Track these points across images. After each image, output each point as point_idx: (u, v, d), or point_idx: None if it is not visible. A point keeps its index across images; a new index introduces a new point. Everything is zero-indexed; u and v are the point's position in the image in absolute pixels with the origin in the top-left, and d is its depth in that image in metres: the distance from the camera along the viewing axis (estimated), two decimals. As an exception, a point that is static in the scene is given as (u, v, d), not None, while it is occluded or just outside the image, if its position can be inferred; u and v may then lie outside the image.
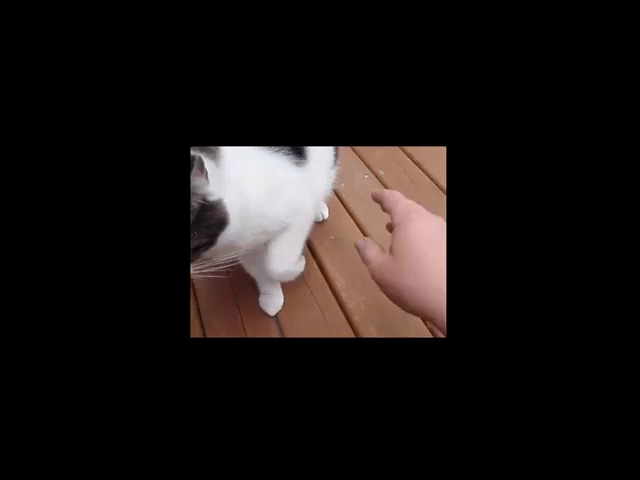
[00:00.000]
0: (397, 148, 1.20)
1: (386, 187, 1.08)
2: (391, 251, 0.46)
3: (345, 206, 1.04)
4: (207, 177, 0.54)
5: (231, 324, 0.82)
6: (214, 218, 0.55)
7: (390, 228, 0.50)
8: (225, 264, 0.60)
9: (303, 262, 0.83)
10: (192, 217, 0.53)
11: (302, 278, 0.89)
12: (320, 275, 0.90)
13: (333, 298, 0.85)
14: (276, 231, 0.72)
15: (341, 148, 0.92)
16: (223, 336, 0.80)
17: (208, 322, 0.82)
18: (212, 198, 0.55)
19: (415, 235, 0.44)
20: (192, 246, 0.54)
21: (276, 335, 0.80)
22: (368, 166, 1.15)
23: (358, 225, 0.99)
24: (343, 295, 0.85)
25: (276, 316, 0.83)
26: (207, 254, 0.58)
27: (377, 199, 0.55)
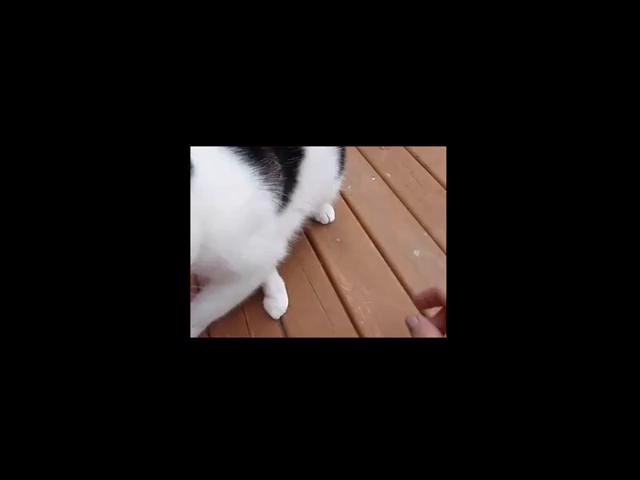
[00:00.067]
0: (404, 150, 1.19)
1: (393, 190, 1.07)
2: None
3: (352, 208, 1.04)
4: None
5: (236, 326, 0.81)
6: None
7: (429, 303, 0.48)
8: None
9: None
10: None
11: (307, 281, 0.89)
12: (326, 278, 0.89)
13: (339, 302, 0.84)
14: (226, 277, 0.66)
15: (348, 150, 0.91)
16: (227, 337, 0.79)
17: (213, 323, 0.81)
18: None
19: None
20: None
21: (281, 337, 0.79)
22: (375, 168, 1.14)
23: (364, 228, 0.99)
24: (349, 299, 0.84)
25: (281, 319, 0.82)
26: None
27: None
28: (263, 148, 0.63)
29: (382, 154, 1.18)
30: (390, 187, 1.08)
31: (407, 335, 0.78)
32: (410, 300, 0.83)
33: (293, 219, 0.77)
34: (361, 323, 0.80)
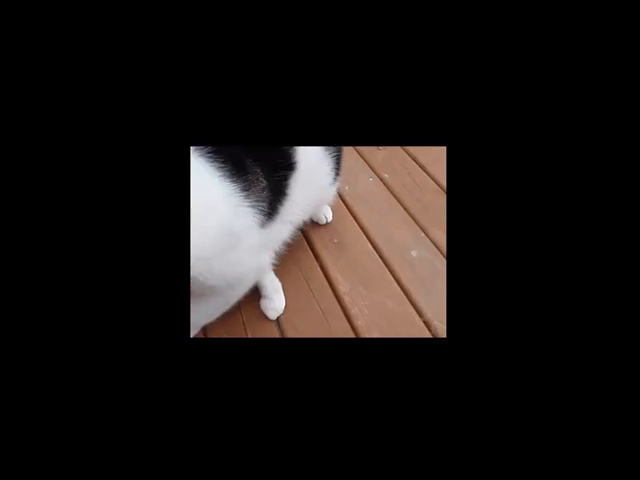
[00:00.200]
0: (401, 150, 1.19)
1: (390, 190, 1.07)
2: None
3: (349, 209, 1.04)
4: None
5: (233, 326, 0.81)
6: None
7: None
8: None
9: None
10: None
11: (304, 281, 0.88)
12: (323, 279, 0.89)
13: (336, 302, 0.84)
14: (206, 290, 0.64)
15: (345, 151, 0.91)
16: (224, 337, 0.79)
17: (209, 323, 0.81)
18: None
19: None
20: None
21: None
22: (372, 169, 1.14)
23: (362, 228, 0.98)
24: (346, 299, 0.84)
25: (278, 319, 0.82)
26: None
27: None
28: (248, 163, 0.62)
29: (379, 155, 1.18)
30: (387, 188, 1.08)
31: (404, 335, 0.78)
32: (407, 300, 0.83)
33: (281, 231, 0.76)
34: (358, 323, 0.80)
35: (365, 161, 1.17)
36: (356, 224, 1.00)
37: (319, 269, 0.91)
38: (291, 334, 0.79)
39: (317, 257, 0.93)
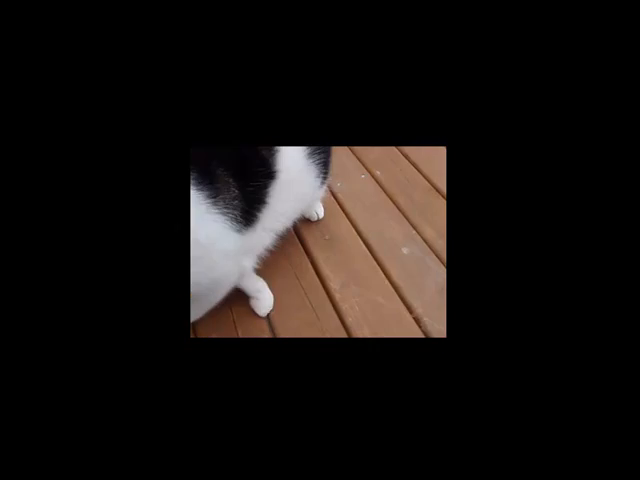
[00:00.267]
0: (394, 148, 1.19)
1: (382, 188, 1.07)
2: None
3: (341, 206, 1.03)
4: None
5: (223, 324, 0.81)
6: None
7: None
8: None
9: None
10: None
11: (295, 278, 0.88)
12: (314, 275, 0.89)
13: (327, 299, 0.84)
14: None
15: (338, 148, 0.91)
16: (214, 336, 0.78)
17: (199, 321, 0.80)
18: None
19: None
20: None
21: (268, 335, 0.79)
22: (365, 166, 1.14)
23: (354, 225, 0.98)
24: (337, 296, 0.84)
25: (268, 317, 0.82)
26: None
27: None
28: (218, 172, 0.61)
29: (372, 152, 1.18)
30: (380, 185, 1.08)
31: (394, 331, 0.78)
32: (398, 297, 0.84)
33: (262, 238, 0.75)
34: (349, 320, 0.80)
35: (357, 158, 1.17)
36: (348, 221, 1.00)
37: (310, 265, 0.91)
38: (281, 331, 0.79)
39: (308, 253, 0.93)
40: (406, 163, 1.15)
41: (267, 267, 0.87)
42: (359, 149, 1.19)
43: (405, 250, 0.92)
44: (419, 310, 0.81)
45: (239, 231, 0.65)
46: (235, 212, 0.63)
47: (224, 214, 0.62)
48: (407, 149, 1.18)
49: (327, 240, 0.96)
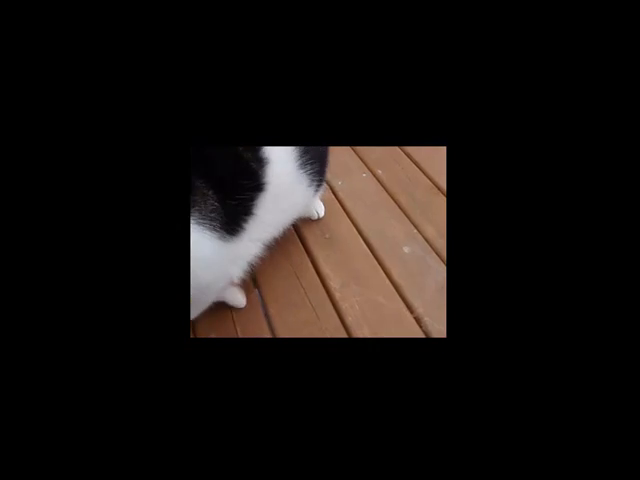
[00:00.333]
0: (396, 147, 1.19)
1: (384, 186, 1.07)
2: None
3: (342, 204, 1.03)
4: None
5: (222, 323, 0.80)
6: None
7: None
8: None
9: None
10: None
11: (295, 277, 0.88)
12: (314, 274, 0.88)
13: (327, 297, 0.84)
14: None
15: (340, 147, 0.90)
16: (213, 335, 0.78)
17: (198, 320, 0.80)
18: None
19: None
20: None
21: (267, 334, 0.78)
22: (366, 164, 1.14)
23: (354, 224, 0.98)
24: (337, 295, 0.84)
25: (268, 315, 0.81)
26: None
27: None
28: (197, 184, 0.61)
29: (374, 151, 1.17)
30: (381, 184, 1.08)
31: (394, 331, 0.77)
32: (398, 296, 0.83)
33: (249, 248, 0.74)
34: (349, 319, 0.79)
35: (359, 157, 1.16)
36: (348, 220, 0.99)
37: (310, 264, 0.90)
38: (281, 329, 0.78)
39: (308, 252, 0.93)
40: (408, 162, 1.14)
41: (267, 266, 0.87)
42: (361, 148, 1.18)
43: (406, 249, 0.92)
44: (420, 310, 0.80)
45: (222, 240, 0.64)
46: (213, 223, 0.62)
47: (199, 224, 0.61)
48: (409, 148, 1.17)
49: (327, 239, 0.95)
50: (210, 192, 0.62)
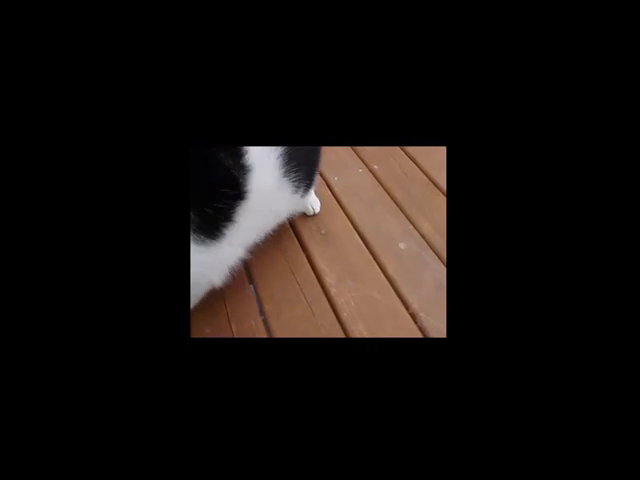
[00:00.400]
0: (392, 142, 1.18)
1: (380, 182, 1.06)
2: None
3: (338, 200, 1.02)
4: None
5: (217, 318, 0.80)
6: None
7: None
8: None
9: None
10: None
11: (291, 272, 0.87)
12: (310, 270, 0.88)
13: (322, 293, 0.83)
14: None
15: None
16: (207, 331, 0.78)
17: (192, 314, 0.80)
18: None
19: None
20: None
21: (262, 330, 0.78)
22: (362, 160, 1.13)
23: (350, 220, 0.97)
24: (332, 291, 0.83)
25: (263, 311, 0.81)
26: None
27: None
28: None
29: (371, 146, 1.17)
30: (377, 179, 1.07)
31: (389, 327, 0.77)
32: (394, 292, 0.83)
33: (229, 253, 0.72)
34: (344, 315, 0.79)
35: (355, 153, 1.15)
36: (344, 215, 0.99)
37: (306, 260, 0.90)
38: (276, 326, 0.78)
39: (304, 248, 0.92)
40: (404, 157, 1.13)
41: (262, 262, 0.87)
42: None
43: (402, 245, 0.91)
44: (415, 305, 0.80)
45: (198, 244, 0.63)
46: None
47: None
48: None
49: (323, 234, 0.94)
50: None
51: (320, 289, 0.84)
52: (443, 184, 1.02)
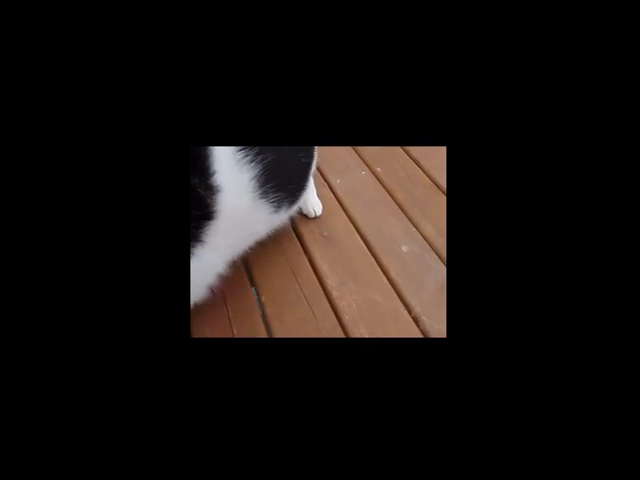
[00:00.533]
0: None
1: (383, 184, 1.06)
2: None
3: (340, 202, 1.02)
4: None
5: (217, 320, 0.79)
6: None
7: None
8: None
9: None
10: None
11: (292, 275, 0.87)
12: (311, 272, 0.87)
13: (324, 296, 0.83)
14: None
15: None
16: (208, 332, 0.77)
17: (193, 318, 0.79)
18: None
19: None
20: None
21: (263, 332, 0.78)
22: (365, 162, 1.13)
23: (352, 222, 0.97)
24: (334, 293, 0.83)
25: (264, 313, 0.81)
26: None
27: None
28: None
29: (373, 148, 1.16)
30: (380, 181, 1.07)
31: (391, 330, 0.77)
32: (396, 295, 0.82)
33: (202, 269, 0.68)
34: (346, 318, 0.79)
35: (358, 154, 1.15)
36: (346, 217, 0.98)
37: (307, 262, 0.89)
38: (277, 328, 0.78)
39: (306, 250, 0.92)
40: (407, 159, 1.13)
41: (264, 264, 0.86)
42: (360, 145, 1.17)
43: (404, 248, 0.91)
44: (417, 309, 0.80)
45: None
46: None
47: None
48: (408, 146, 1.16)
49: (325, 237, 0.94)
50: None
51: (322, 292, 0.84)
52: (446, 186, 1.01)
